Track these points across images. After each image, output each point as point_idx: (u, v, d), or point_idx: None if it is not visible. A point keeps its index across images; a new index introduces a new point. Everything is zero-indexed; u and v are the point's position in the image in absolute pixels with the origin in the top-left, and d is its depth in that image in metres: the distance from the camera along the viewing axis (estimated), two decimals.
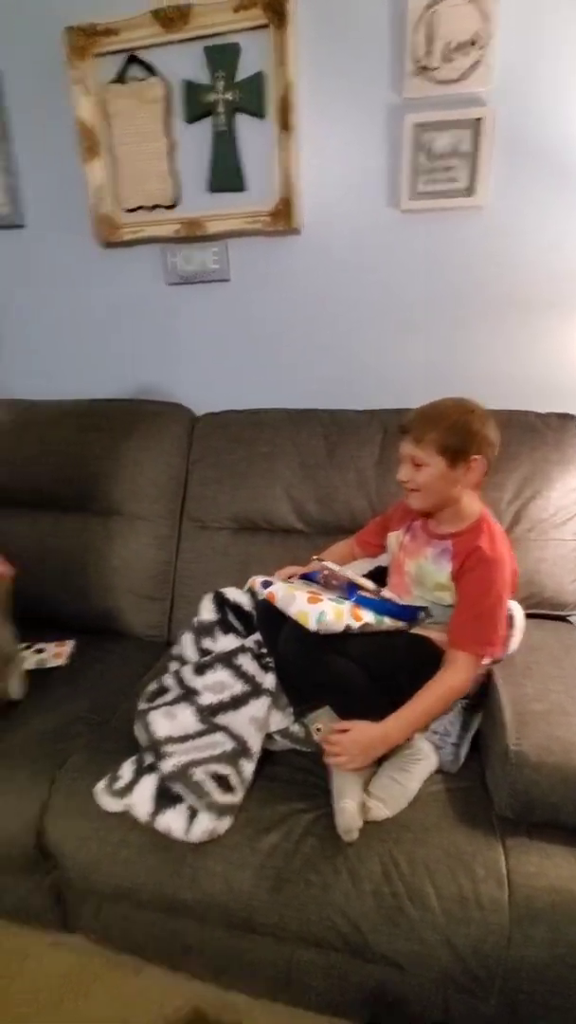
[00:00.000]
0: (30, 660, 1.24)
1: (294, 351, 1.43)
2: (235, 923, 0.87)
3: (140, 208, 1.38)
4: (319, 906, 0.82)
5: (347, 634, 0.92)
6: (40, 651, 1.28)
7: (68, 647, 1.29)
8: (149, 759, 0.94)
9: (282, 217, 1.29)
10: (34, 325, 1.60)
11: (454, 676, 0.93)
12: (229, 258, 1.38)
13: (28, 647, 1.28)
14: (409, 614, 0.99)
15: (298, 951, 0.89)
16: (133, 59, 1.25)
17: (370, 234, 1.29)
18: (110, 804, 0.91)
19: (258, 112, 1.24)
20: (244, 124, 1.26)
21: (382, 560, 1.16)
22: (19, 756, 1.02)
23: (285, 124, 1.21)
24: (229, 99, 1.24)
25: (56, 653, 1.26)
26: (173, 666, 1.08)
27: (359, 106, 1.21)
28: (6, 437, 1.44)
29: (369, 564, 1.19)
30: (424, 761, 0.93)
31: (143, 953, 1.02)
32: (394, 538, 1.10)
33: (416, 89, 1.15)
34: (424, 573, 1.01)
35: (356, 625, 0.91)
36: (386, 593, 1.04)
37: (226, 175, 1.30)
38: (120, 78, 1.28)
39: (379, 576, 1.12)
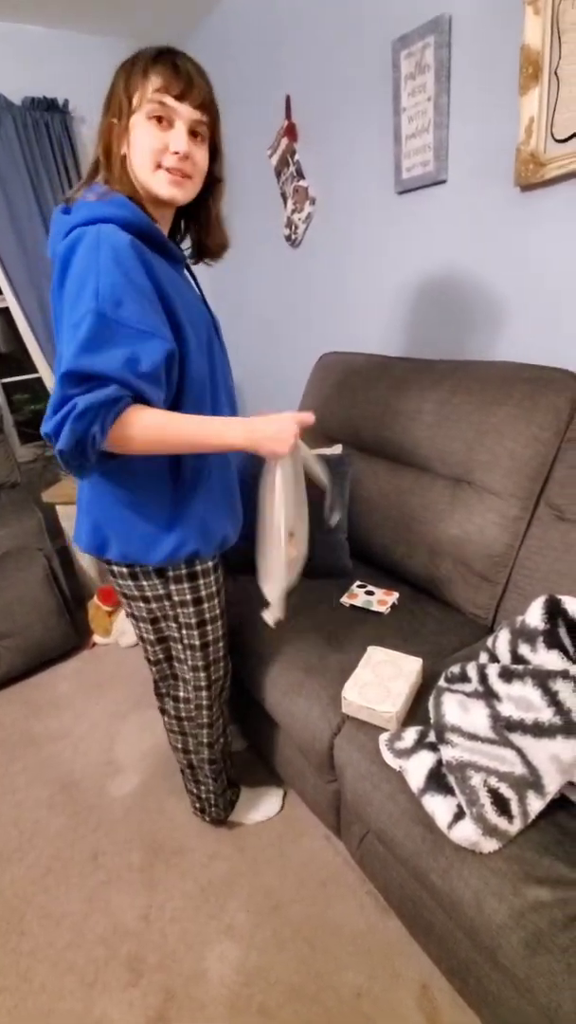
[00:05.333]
0: (360, 597, 1.38)
1: None
2: (479, 944, 0.81)
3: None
4: None
5: None
6: (370, 592, 1.40)
7: (392, 599, 1.36)
8: (432, 737, 0.93)
9: None
10: (438, 287, 1.61)
11: None
12: None
13: (363, 586, 1.43)
14: None
15: (542, 1020, 0.77)
16: None
17: None
18: (389, 759, 0.96)
19: None
20: None
21: None
22: (334, 673, 1.15)
23: None
24: None
25: (381, 600, 1.36)
26: (482, 658, 1.01)
27: None
28: (391, 393, 1.54)
29: None
30: None
31: (390, 899, 1.07)
32: None
33: None
34: None
35: None
36: None
37: None
38: None
39: None
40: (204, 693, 1.14)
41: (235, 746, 1.55)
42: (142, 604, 1.04)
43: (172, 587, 1.01)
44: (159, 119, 0.80)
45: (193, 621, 1.05)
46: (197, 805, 1.34)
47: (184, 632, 1.07)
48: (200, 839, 1.35)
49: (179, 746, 1.24)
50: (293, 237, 2.08)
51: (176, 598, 1.02)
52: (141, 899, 1.24)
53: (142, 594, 1.03)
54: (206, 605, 1.04)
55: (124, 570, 1.00)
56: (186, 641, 1.08)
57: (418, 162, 1.51)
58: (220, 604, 1.08)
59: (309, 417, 0.89)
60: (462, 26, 1.32)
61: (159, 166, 0.82)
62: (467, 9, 1.30)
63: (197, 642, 1.07)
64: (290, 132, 1.91)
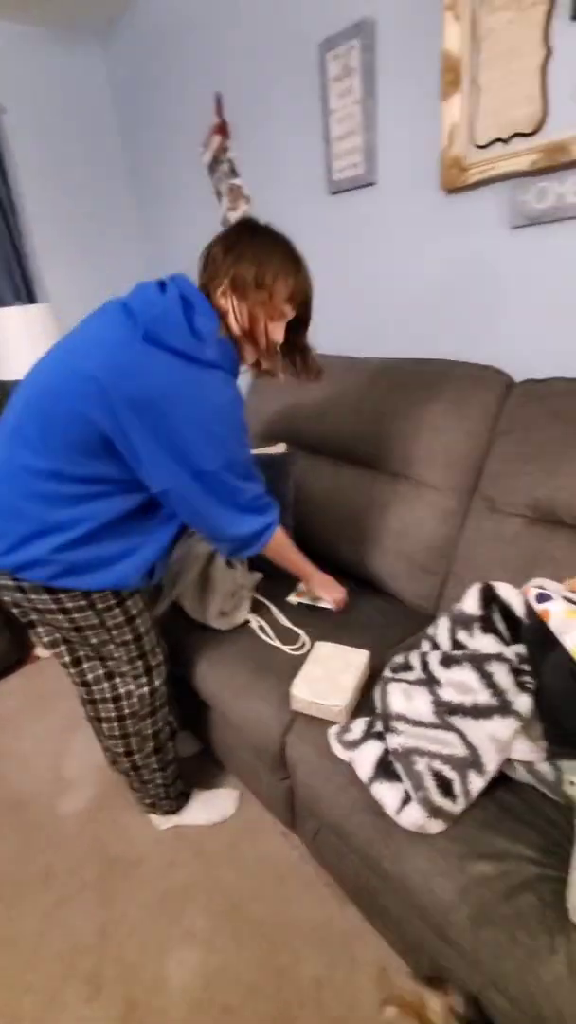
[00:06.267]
0: (307, 594, 1.39)
1: None
2: (429, 923, 0.85)
3: (495, 142, 1.22)
4: (521, 969, 0.72)
5: None
6: None
7: None
8: (379, 727, 0.96)
9: None
10: (372, 285, 1.64)
11: None
12: None
13: None
14: None
15: (490, 989, 0.81)
16: None
17: None
18: (338, 751, 0.98)
19: None
20: None
21: None
22: (283, 670, 1.16)
23: None
24: None
25: None
26: (424, 646, 1.04)
27: None
28: (330, 391, 1.56)
29: None
30: None
31: (346, 889, 1.10)
32: None
33: None
34: None
35: None
36: None
37: None
38: None
39: None
40: (144, 679, 1.14)
41: (187, 750, 1.54)
42: (61, 616, 1.01)
43: (94, 595, 1.01)
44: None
45: (122, 619, 1.06)
46: (147, 802, 1.32)
47: (114, 633, 1.06)
48: (156, 848, 1.33)
49: (121, 750, 1.21)
50: None
51: (100, 605, 1.02)
52: (98, 914, 1.21)
53: (60, 606, 1.00)
54: (129, 602, 1.06)
55: (39, 585, 0.97)
56: (118, 640, 1.08)
57: (348, 164, 1.53)
58: (144, 598, 1.10)
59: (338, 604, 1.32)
60: (386, 30, 1.35)
61: (258, 342, 0.97)
62: (390, 13, 1.33)
63: (130, 636, 1.08)
64: (221, 130, 1.90)
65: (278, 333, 0.98)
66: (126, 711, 1.17)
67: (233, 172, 1.94)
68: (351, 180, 1.54)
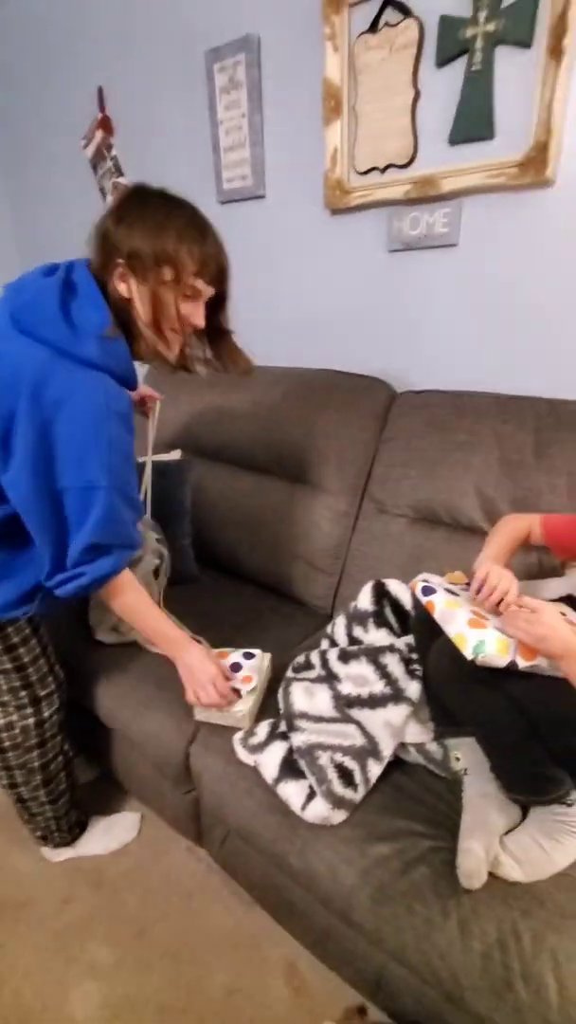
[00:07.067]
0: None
1: (525, 328, 1.24)
2: (334, 910, 0.88)
3: (373, 170, 1.31)
4: (418, 938, 0.77)
5: (510, 670, 0.80)
6: None
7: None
8: (283, 727, 0.98)
9: (533, 166, 1.10)
10: (262, 296, 1.68)
11: None
12: (461, 220, 1.24)
13: None
14: None
15: (391, 964, 0.86)
16: (388, 2, 1.17)
17: None
18: (243, 756, 0.98)
19: (524, 41, 1.05)
20: (504, 59, 1.09)
21: None
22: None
23: (556, 50, 1.01)
24: (490, 31, 1.08)
25: None
26: (323, 644, 1.09)
27: None
28: (225, 398, 1.56)
29: (568, 584, 1.01)
30: None
31: (253, 892, 1.10)
32: None
33: None
34: None
35: (524, 664, 0.78)
36: None
37: (473, 122, 1.15)
38: (373, 26, 1.20)
39: None
40: (30, 709, 1.06)
41: (84, 776, 1.45)
42: None
43: None
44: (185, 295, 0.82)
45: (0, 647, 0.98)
46: (38, 834, 1.23)
47: None
48: (50, 885, 1.24)
49: (5, 783, 1.13)
50: None
51: None
52: None
53: None
54: (10, 629, 0.98)
55: None
56: None
57: (237, 175, 1.55)
58: (32, 622, 1.02)
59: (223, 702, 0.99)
60: (271, 49, 1.39)
61: (173, 331, 0.84)
62: (274, 33, 1.37)
63: (9, 665, 1.00)
64: (105, 125, 1.83)
65: (197, 316, 0.84)
66: (6, 743, 1.08)
67: (118, 170, 1.88)
68: (240, 191, 1.56)
